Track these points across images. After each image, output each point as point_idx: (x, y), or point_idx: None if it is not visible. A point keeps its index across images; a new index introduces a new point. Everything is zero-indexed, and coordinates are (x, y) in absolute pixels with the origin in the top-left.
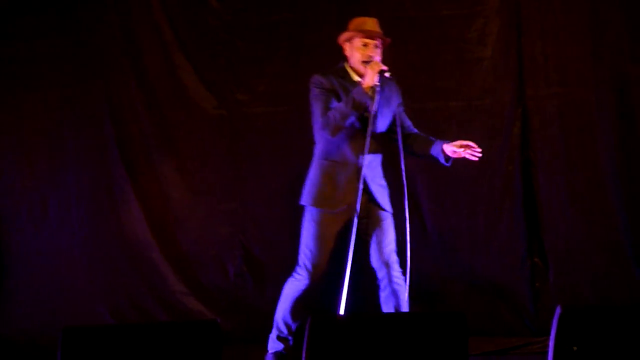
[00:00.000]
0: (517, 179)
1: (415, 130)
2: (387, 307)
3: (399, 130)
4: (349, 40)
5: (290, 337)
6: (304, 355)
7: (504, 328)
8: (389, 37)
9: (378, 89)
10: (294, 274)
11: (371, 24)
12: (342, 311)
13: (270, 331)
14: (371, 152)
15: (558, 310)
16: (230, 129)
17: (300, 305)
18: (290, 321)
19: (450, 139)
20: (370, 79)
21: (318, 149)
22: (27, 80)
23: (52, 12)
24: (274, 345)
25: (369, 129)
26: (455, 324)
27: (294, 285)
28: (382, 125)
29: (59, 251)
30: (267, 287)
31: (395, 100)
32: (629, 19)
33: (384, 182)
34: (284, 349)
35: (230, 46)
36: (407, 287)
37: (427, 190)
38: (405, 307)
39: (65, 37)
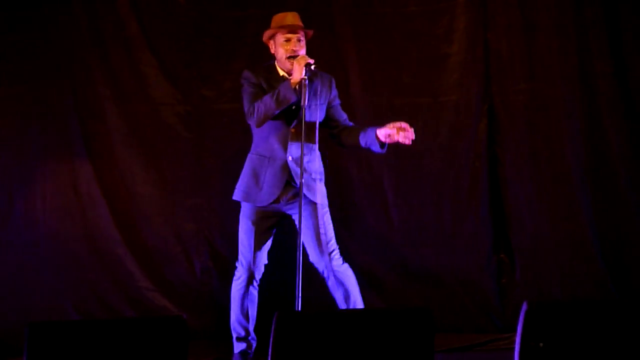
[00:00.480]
0: (484, 175)
1: (351, 124)
2: (337, 295)
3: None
4: (272, 37)
5: (250, 337)
6: (270, 352)
7: (470, 324)
8: (355, 30)
9: (306, 82)
10: (235, 272)
11: (291, 18)
12: (298, 306)
13: None
14: (301, 144)
15: (524, 306)
16: (196, 125)
17: (249, 304)
18: (243, 321)
19: (417, 135)
20: (298, 73)
21: (252, 143)
22: None
23: (18, 7)
24: (237, 346)
25: (303, 122)
26: (421, 320)
27: (236, 285)
28: (311, 118)
29: (24, 246)
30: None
31: (325, 93)
32: (594, 14)
33: (318, 176)
34: (247, 347)
35: (195, 42)
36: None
37: (393, 186)
38: (356, 292)
39: (30, 32)
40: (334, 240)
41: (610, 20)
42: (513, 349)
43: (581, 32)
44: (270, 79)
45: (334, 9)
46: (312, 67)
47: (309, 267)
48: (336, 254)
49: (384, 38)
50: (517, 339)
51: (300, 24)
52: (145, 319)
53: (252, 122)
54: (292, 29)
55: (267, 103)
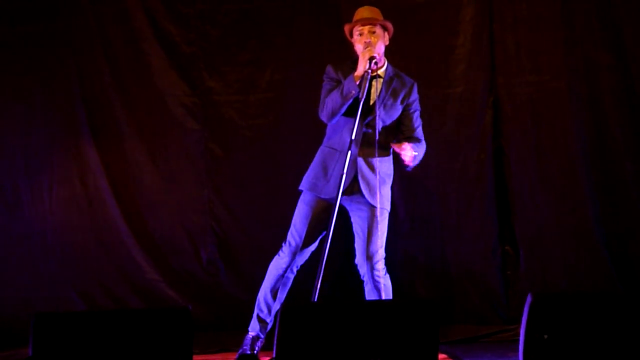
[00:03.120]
0: (489, 166)
1: (419, 137)
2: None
3: (379, 122)
4: (351, 34)
5: (269, 319)
6: (275, 342)
7: (475, 316)
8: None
9: (368, 76)
10: (279, 252)
11: (364, 11)
12: (315, 296)
13: (242, 318)
14: (372, 145)
15: (529, 298)
16: (202, 117)
17: (281, 285)
18: (270, 300)
19: (423, 127)
20: (362, 66)
21: (326, 136)
22: None
23: None
24: (254, 326)
25: (358, 117)
26: (426, 312)
27: (276, 262)
28: (385, 118)
29: (31, 237)
30: (239, 275)
31: (404, 95)
32: (599, 7)
33: (386, 179)
34: (260, 330)
35: (202, 34)
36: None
37: (398, 178)
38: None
39: (36, 23)
40: (383, 249)
41: (613, 12)
42: (518, 340)
43: (586, 24)
44: (352, 73)
45: (341, 1)
46: (374, 61)
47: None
48: (381, 264)
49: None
50: (522, 331)
51: (376, 16)
52: (150, 310)
53: (322, 118)
54: (364, 22)
55: (333, 98)
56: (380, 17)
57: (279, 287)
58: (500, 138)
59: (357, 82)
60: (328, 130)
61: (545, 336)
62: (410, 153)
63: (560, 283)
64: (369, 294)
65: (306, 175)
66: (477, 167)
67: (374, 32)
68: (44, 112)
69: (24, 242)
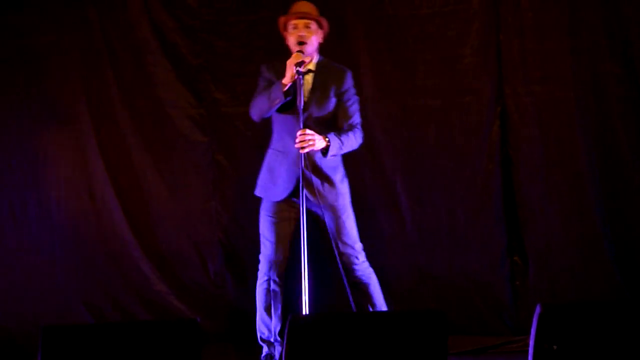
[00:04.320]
0: (497, 177)
1: (346, 127)
2: (356, 297)
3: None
4: (285, 27)
5: (272, 339)
6: (283, 354)
7: (484, 327)
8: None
9: (301, 82)
10: (259, 268)
11: (302, 6)
12: (306, 308)
13: (250, 329)
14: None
15: (538, 308)
16: (209, 128)
17: (272, 301)
18: (266, 320)
19: (429, 137)
20: (288, 76)
21: (271, 139)
22: (5, 78)
23: (32, 12)
24: (263, 348)
25: (301, 116)
26: (434, 323)
27: (259, 280)
28: (318, 111)
29: (39, 250)
30: (247, 286)
31: (335, 86)
32: (607, 17)
33: (332, 173)
34: (270, 350)
35: (208, 46)
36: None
37: (406, 188)
38: (378, 296)
39: (44, 36)
40: (358, 243)
41: (621, 22)
42: (527, 351)
43: (593, 34)
44: (284, 72)
45: (347, 12)
46: (301, 68)
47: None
48: (361, 257)
49: (396, 40)
50: (531, 342)
51: (309, 10)
52: (158, 322)
53: (252, 117)
54: (301, 16)
55: (261, 101)
56: (315, 12)
57: (270, 303)
58: (508, 148)
59: (285, 89)
60: (272, 132)
61: (555, 347)
62: (306, 145)
63: (569, 293)
64: (353, 290)
65: (257, 180)
66: (485, 177)
67: (308, 27)
68: (50, 125)
69: (32, 256)
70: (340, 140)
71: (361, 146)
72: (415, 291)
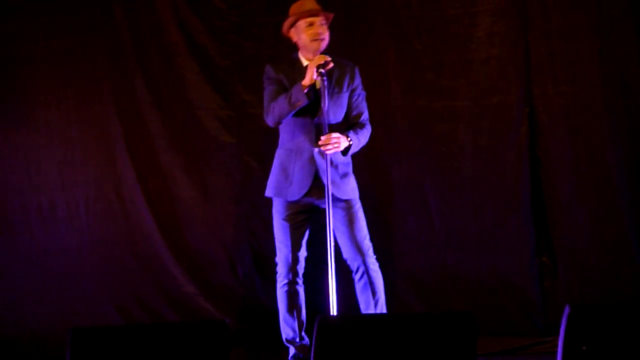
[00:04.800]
0: (525, 177)
1: (363, 123)
2: (363, 298)
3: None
4: (294, 25)
5: (297, 339)
6: (312, 356)
7: (512, 328)
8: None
9: (325, 83)
10: (276, 270)
11: (310, 3)
12: (333, 310)
13: (278, 332)
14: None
15: (567, 309)
16: (237, 130)
17: (293, 301)
18: (290, 321)
19: (458, 138)
20: (309, 77)
21: (279, 138)
22: (35, 80)
23: (61, 13)
24: (290, 349)
25: (324, 115)
26: (463, 324)
27: (279, 282)
28: (335, 114)
29: (67, 251)
30: (275, 288)
31: (347, 81)
32: (636, 17)
33: (345, 168)
34: (297, 351)
35: (237, 47)
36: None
37: (435, 189)
38: (381, 295)
39: (73, 37)
40: (368, 239)
41: None
42: (556, 352)
43: (622, 34)
44: (293, 73)
45: (374, 12)
46: (329, 65)
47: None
48: (371, 252)
49: (424, 41)
50: (560, 343)
51: (319, 7)
52: (187, 323)
53: (268, 122)
54: (314, 13)
55: (281, 105)
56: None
57: (293, 305)
58: (536, 149)
59: (305, 91)
60: (281, 132)
61: (584, 348)
62: (331, 147)
63: (598, 294)
64: (362, 290)
65: (269, 181)
66: (514, 178)
67: (322, 24)
68: (79, 126)
69: (61, 257)
70: (358, 138)
71: (389, 147)
72: (444, 292)
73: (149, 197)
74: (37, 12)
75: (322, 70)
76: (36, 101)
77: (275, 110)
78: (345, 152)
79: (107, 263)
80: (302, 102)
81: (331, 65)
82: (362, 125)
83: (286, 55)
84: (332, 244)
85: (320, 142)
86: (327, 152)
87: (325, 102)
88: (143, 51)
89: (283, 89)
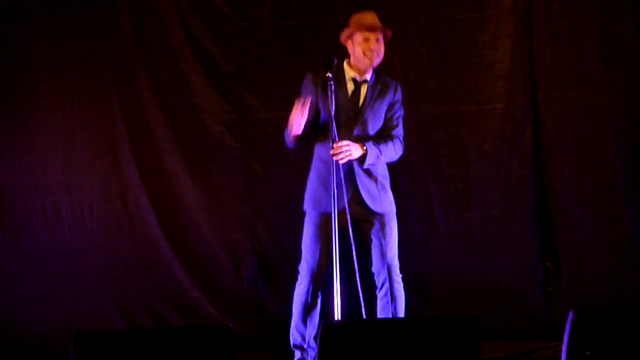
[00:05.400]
0: (530, 183)
1: (387, 137)
2: (383, 314)
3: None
4: (350, 36)
5: (305, 345)
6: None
7: (517, 332)
8: (399, 38)
9: (332, 88)
10: (298, 278)
11: (370, 18)
12: (338, 316)
13: (282, 335)
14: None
15: (571, 314)
16: (242, 134)
17: (309, 310)
18: (301, 328)
19: (462, 143)
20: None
21: (315, 150)
22: (40, 83)
23: (67, 17)
24: (295, 353)
25: (331, 123)
26: (467, 328)
27: (298, 290)
28: (374, 121)
29: (72, 255)
30: (280, 292)
31: (389, 96)
32: (638, 21)
33: (383, 182)
34: (301, 354)
35: (242, 52)
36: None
37: (439, 194)
38: (402, 313)
39: (78, 41)
40: (397, 257)
41: None
42: (560, 357)
43: (626, 39)
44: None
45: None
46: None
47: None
48: (397, 270)
49: (428, 46)
50: (564, 348)
51: (379, 23)
52: (191, 327)
53: (286, 142)
54: (371, 28)
55: (285, 136)
56: (380, 24)
57: (308, 314)
58: (540, 154)
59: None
60: (316, 144)
61: (588, 353)
62: (343, 156)
63: (602, 299)
64: (384, 307)
65: (306, 194)
66: (518, 183)
67: (378, 40)
68: (84, 129)
69: (65, 260)
70: (379, 149)
71: None
72: (448, 297)
73: (154, 200)
74: (42, 17)
75: (329, 75)
76: (41, 104)
77: (285, 137)
78: (361, 161)
79: (111, 266)
80: (289, 145)
81: (330, 78)
82: (390, 138)
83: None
84: (337, 250)
85: (331, 152)
86: (340, 161)
87: (332, 107)
88: (148, 55)
89: (316, 102)
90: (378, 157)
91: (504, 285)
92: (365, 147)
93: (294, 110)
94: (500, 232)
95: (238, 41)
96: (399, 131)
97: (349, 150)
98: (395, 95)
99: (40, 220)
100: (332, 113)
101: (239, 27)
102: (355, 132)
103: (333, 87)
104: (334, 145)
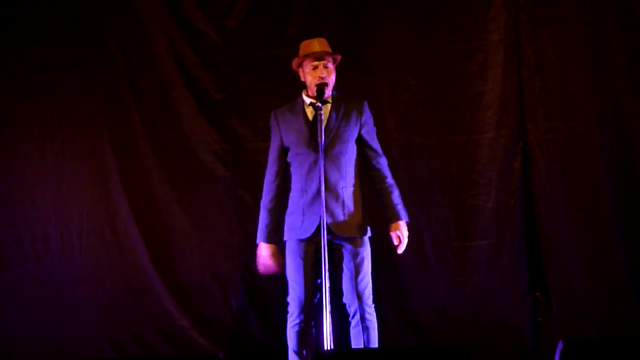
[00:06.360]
0: (519, 212)
1: (381, 164)
2: (356, 344)
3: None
4: (301, 65)
5: None
6: None
7: None
8: (389, 68)
9: (321, 117)
10: (287, 310)
11: (318, 45)
12: (328, 344)
13: None
14: (329, 176)
15: (560, 344)
16: (232, 164)
17: (304, 343)
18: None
19: (451, 172)
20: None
21: (291, 182)
22: (30, 112)
23: (57, 46)
24: None
25: (320, 153)
26: (457, 359)
27: (290, 323)
28: (340, 147)
29: (61, 284)
30: (269, 322)
31: (355, 115)
32: (630, 52)
33: (350, 206)
34: None
35: (232, 81)
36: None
37: (428, 224)
38: (375, 343)
39: (68, 70)
40: (370, 287)
41: None
42: None
43: (615, 70)
44: (291, 117)
45: (368, 47)
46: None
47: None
48: (370, 301)
49: (417, 76)
50: None
51: (328, 49)
52: (181, 357)
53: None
54: (319, 56)
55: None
56: (329, 49)
57: (302, 345)
58: (529, 184)
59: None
60: (292, 175)
61: None
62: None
63: (591, 329)
64: (356, 335)
65: (285, 224)
66: (507, 213)
67: (327, 67)
68: (73, 159)
69: (54, 290)
70: (399, 201)
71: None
72: (437, 327)
73: (143, 230)
74: (32, 45)
75: (319, 104)
76: (31, 134)
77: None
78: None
79: (101, 296)
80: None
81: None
82: (383, 177)
83: (291, 102)
84: (327, 278)
85: (399, 252)
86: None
87: (322, 136)
88: (138, 84)
89: (278, 142)
90: (399, 196)
91: (493, 315)
92: (404, 220)
93: (261, 267)
94: (489, 262)
95: (229, 70)
96: (379, 148)
97: (406, 238)
98: (362, 113)
99: (30, 250)
100: (321, 145)
101: (229, 57)
102: (322, 156)
103: (322, 117)
104: (400, 244)
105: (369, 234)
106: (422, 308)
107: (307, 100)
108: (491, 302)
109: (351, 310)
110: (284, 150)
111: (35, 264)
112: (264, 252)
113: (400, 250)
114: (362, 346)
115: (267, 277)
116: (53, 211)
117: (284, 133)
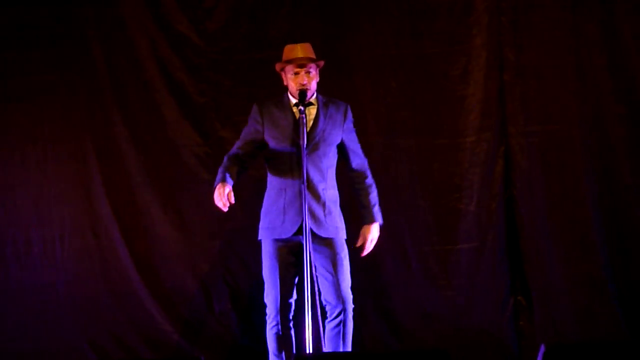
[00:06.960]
0: (500, 216)
1: (361, 165)
2: (331, 345)
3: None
4: (283, 70)
5: None
6: None
7: None
8: (371, 72)
9: (304, 120)
10: (265, 312)
11: (301, 50)
12: (309, 347)
13: None
14: (311, 177)
15: (542, 348)
16: (215, 166)
17: (283, 345)
18: None
19: (433, 176)
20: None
21: (267, 179)
22: (11, 116)
23: (39, 49)
24: None
25: (302, 155)
26: None
27: (268, 325)
28: (326, 144)
29: (43, 288)
30: (252, 325)
31: (340, 118)
32: (611, 57)
33: (331, 207)
34: None
35: (214, 84)
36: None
37: (410, 227)
38: (349, 345)
39: (50, 74)
40: (350, 284)
41: (625, 62)
42: None
43: (597, 74)
44: (277, 113)
45: (350, 50)
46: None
47: None
48: (351, 301)
49: (399, 80)
50: None
51: (311, 55)
52: None
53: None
54: (300, 62)
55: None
56: (313, 54)
57: (281, 347)
58: (511, 187)
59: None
60: (268, 172)
61: None
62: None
63: (572, 333)
64: (335, 337)
65: (260, 223)
66: (488, 216)
67: (308, 72)
68: (55, 162)
69: (36, 294)
70: (377, 204)
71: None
72: (419, 331)
73: (125, 233)
74: (14, 49)
75: (301, 108)
76: (12, 138)
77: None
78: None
79: (83, 300)
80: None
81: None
82: (364, 177)
83: (277, 96)
84: (309, 280)
85: (363, 254)
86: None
87: (304, 138)
88: (121, 88)
89: (255, 133)
90: (377, 197)
91: (475, 318)
92: (376, 222)
93: (216, 197)
94: (471, 265)
95: (211, 74)
96: (364, 159)
97: (374, 240)
98: (346, 117)
99: (11, 253)
100: (304, 147)
101: (211, 60)
102: (305, 158)
103: (305, 120)
104: (364, 246)
105: (345, 236)
106: (404, 311)
107: (293, 100)
108: (473, 305)
109: (329, 310)
110: (259, 143)
111: (17, 267)
112: (226, 189)
113: (364, 253)
114: (338, 347)
115: (249, 280)
116: (35, 215)
117: (267, 126)
